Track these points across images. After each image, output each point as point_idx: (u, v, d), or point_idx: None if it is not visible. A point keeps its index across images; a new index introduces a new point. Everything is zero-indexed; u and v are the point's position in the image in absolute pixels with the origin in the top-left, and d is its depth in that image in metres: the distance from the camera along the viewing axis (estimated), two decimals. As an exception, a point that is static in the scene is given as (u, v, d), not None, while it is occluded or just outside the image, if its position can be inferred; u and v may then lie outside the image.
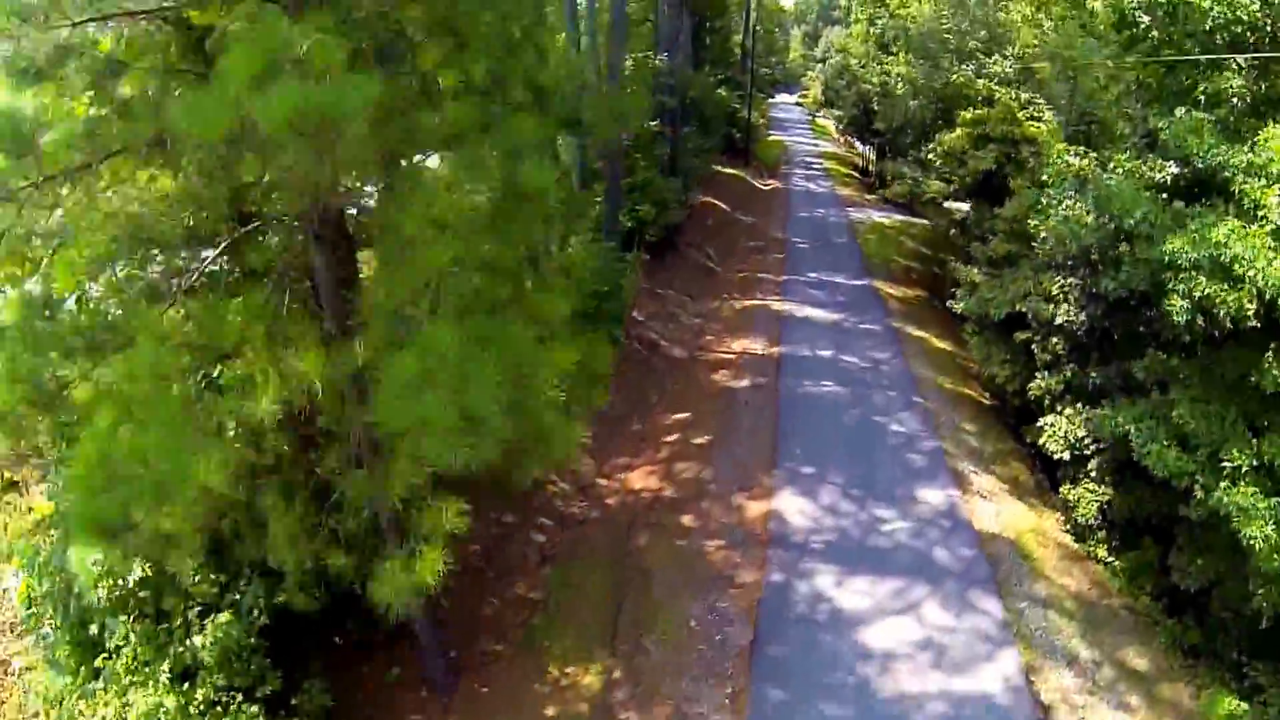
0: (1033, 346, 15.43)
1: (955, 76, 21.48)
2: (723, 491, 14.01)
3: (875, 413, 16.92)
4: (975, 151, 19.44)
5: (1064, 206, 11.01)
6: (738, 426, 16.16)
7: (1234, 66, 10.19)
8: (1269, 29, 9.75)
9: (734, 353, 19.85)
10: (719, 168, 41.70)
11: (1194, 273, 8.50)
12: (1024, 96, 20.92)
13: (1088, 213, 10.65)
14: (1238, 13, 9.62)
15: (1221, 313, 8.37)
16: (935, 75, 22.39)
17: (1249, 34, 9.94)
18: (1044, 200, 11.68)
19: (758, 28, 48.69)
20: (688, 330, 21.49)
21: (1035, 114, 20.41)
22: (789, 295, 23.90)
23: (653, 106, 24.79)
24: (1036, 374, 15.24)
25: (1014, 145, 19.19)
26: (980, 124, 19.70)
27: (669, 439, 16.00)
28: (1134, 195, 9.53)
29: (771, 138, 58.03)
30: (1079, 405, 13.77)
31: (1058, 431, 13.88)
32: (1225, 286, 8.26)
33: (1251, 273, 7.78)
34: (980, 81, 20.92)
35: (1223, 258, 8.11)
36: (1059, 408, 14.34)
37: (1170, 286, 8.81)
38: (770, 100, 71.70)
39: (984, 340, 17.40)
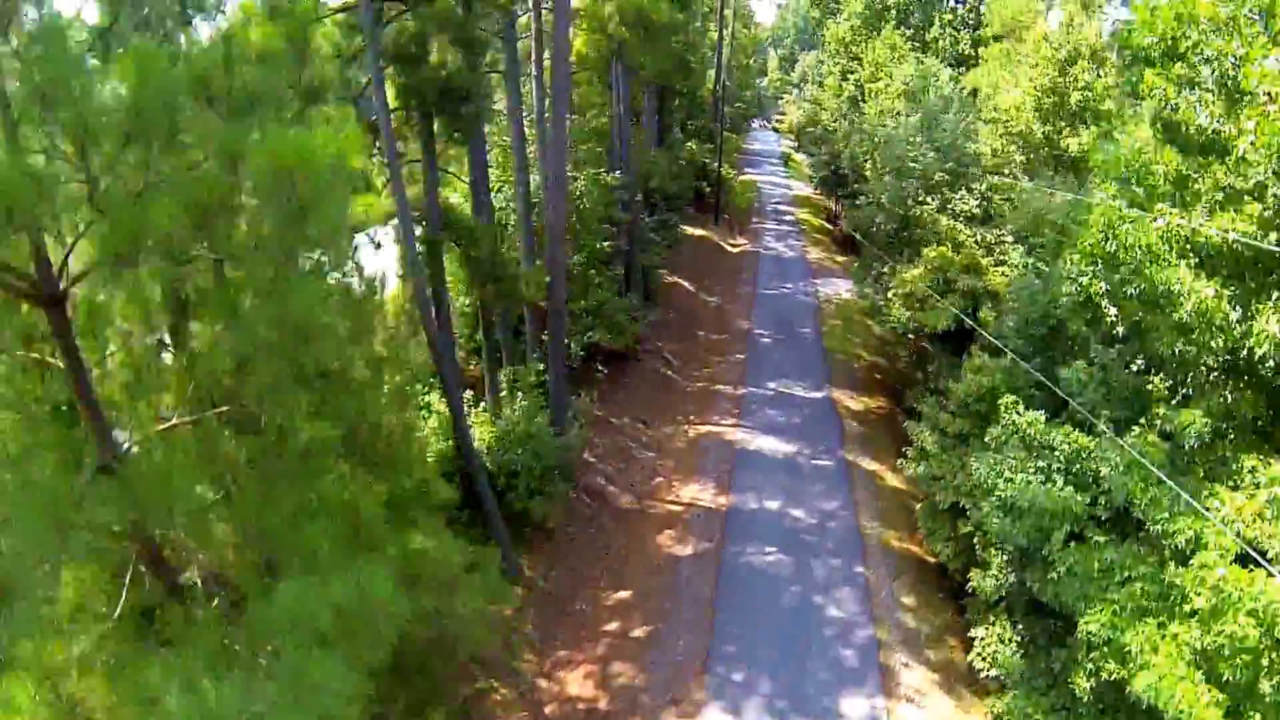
0: (975, 541, 15.79)
1: (919, 212, 21.65)
2: (654, 706, 14.37)
3: (815, 590, 17.30)
4: (936, 301, 19.70)
5: (1003, 482, 11.11)
6: (677, 613, 16.49)
7: (1199, 385, 10.11)
8: (1243, 355, 9.33)
9: (683, 504, 20.15)
10: (686, 228, 41.85)
11: (1104, 650, 8.69)
12: (990, 237, 20.99)
13: (1025, 505, 10.73)
14: (1213, 342, 9.15)
15: (1127, 689, 8.62)
16: (900, 199, 22.52)
17: (1218, 371, 9.87)
18: (985, 468, 11.74)
19: (728, 82, 48.66)
20: (640, 468, 21.75)
21: (1001, 256, 20.52)
22: (746, 417, 24.20)
23: (609, 219, 24.98)
24: (974, 568, 15.62)
25: (975, 300, 19.45)
26: (943, 268, 19.91)
27: (609, 627, 16.31)
28: (1061, 549, 9.67)
29: (744, 177, 58.17)
30: (1010, 624, 14.14)
31: (987, 649, 14.28)
32: (1134, 668, 8.40)
33: (1160, 700, 7.83)
34: (944, 219, 21.09)
35: (1130, 665, 8.28)
36: (992, 619, 14.73)
37: (1079, 660, 9.05)
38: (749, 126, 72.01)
39: (930, 514, 17.77)
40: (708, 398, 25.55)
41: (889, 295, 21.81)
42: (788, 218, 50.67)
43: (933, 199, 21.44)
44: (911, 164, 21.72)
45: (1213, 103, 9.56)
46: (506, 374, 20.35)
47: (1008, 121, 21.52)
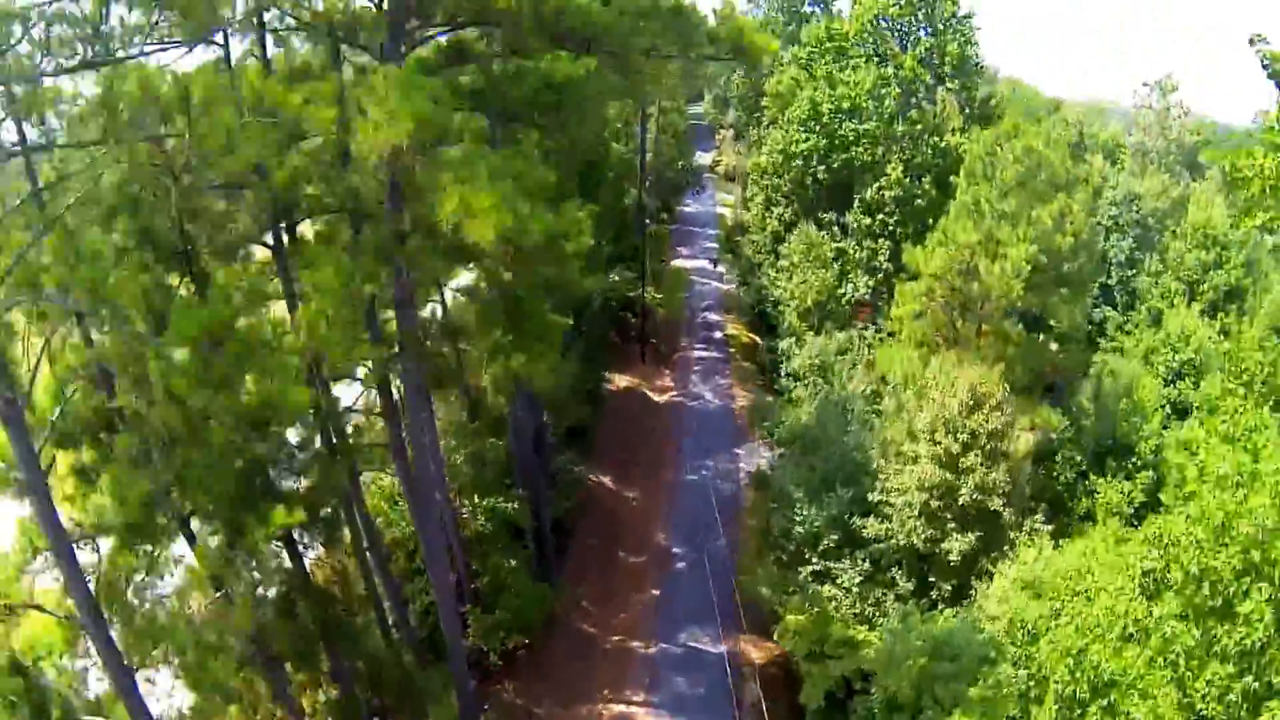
0: None
1: (802, 575, 24.60)
2: None
3: None
4: (810, 666, 23.17)
5: None
6: None
7: None
8: None
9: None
10: (611, 377, 44.75)
11: None
12: (869, 605, 24.06)
13: None
14: None
15: None
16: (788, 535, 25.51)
17: None
18: None
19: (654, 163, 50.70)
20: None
21: (884, 613, 23.44)
22: (655, 691, 27.75)
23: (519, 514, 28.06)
24: None
25: (848, 680, 22.92)
26: (820, 639, 23.20)
27: None
28: None
29: (675, 264, 60.53)
30: None
31: None
32: None
33: None
34: (825, 589, 24.03)
35: None
36: None
37: None
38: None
39: None
40: (622, 661, 29.07)
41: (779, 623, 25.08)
42: (717, 334, 53.54)
43: (818, 561, 24.55)
44: (799, 529, 24.61)
45: None
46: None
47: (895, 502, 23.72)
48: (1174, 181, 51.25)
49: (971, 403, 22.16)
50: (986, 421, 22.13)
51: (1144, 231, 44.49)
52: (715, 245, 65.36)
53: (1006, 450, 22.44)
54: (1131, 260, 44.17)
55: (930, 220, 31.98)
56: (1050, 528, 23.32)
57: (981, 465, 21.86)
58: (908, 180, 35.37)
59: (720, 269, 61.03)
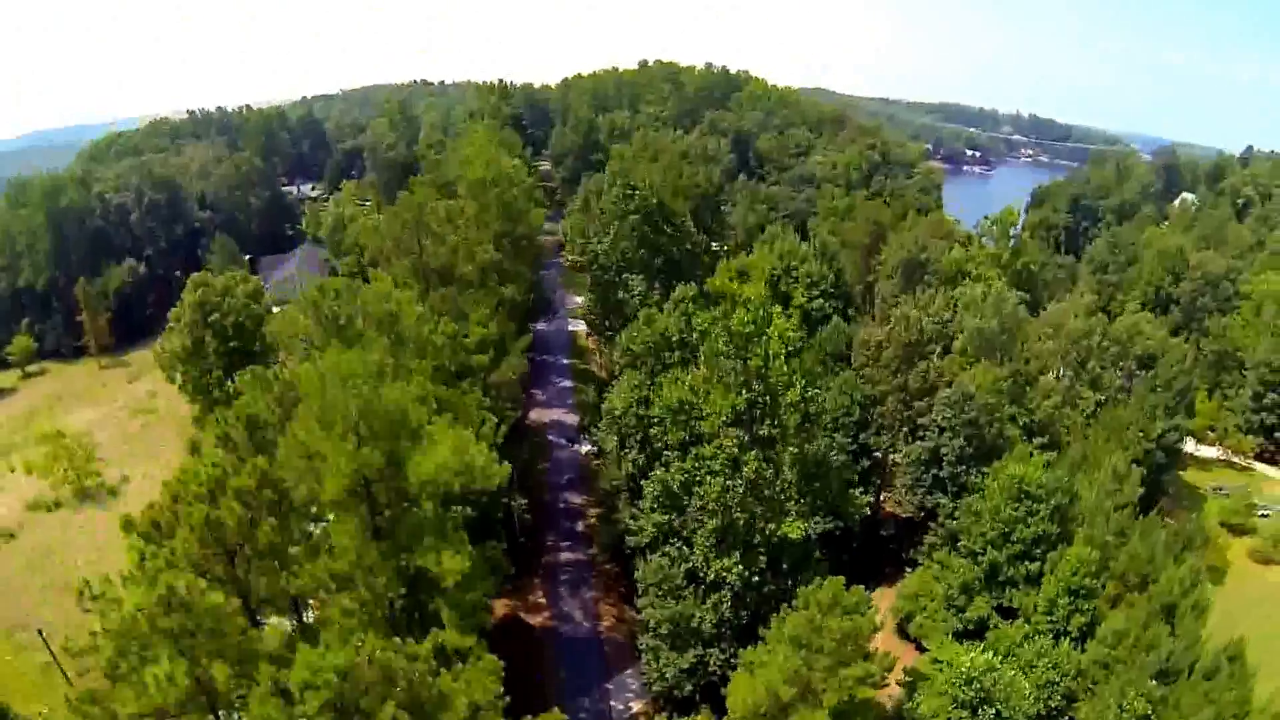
0: None
1: None
2: None
3: None
4: None
5: None
6: None
7: None
8: None
9: None
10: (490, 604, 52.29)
11: None
12: None
13: None
14: None
15: None
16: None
17: None
18: None
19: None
20: None
21: None
22: None
23: None
24: None
25: None
26: None
27: None
28: None
29: (536, 414, 66.73)
30: None
31: None
32: None
33: None
34: None
35: None
36: None
37: None
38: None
39: None
40: None
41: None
42: (580, 525, 61.38)
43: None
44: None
45: None
46: None
47: None
48: (1005, 371, 62.69)
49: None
50: None
51: (975, 429, 55.38)
52: (571, 384, 72.03)
53: None
54: (962, 457, 55.18)
55: (771, 602, 41.70)
56: None
57: None
58: (746, 573, 41.78)
59: (580, 439, 68.06)
